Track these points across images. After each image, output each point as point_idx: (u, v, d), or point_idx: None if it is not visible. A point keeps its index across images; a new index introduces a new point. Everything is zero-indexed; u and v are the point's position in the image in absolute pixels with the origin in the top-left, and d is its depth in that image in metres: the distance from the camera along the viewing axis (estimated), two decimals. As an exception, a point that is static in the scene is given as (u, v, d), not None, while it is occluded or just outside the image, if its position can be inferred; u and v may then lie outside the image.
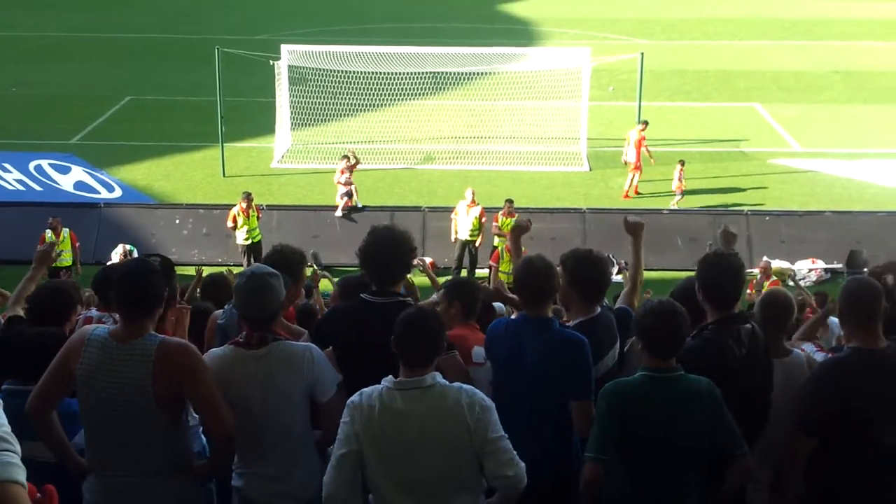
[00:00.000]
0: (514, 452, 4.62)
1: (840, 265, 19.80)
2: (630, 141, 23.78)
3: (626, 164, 23.97)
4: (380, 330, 5.05)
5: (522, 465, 4.63)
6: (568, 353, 5.33)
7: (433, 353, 4.70)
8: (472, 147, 25.75)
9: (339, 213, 21.46)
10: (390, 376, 4.68)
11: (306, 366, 5.07)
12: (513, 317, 5.96)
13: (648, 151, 23.79)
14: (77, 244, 18.78)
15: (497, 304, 12.39)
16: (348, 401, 4.69)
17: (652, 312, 5.05)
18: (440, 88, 29.05)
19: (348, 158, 22.13)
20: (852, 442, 5.10)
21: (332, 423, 4.86)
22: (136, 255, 18.02)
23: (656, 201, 23.02)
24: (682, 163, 23.06)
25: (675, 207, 22.50)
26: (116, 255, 18.17)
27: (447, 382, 4.68)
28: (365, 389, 4.69)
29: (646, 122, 24.10)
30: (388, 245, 5.54)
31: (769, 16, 44.91)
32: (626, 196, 23.62)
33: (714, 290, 5.46)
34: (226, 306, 6.61)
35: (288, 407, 5.09)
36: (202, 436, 5.66)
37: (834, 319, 13.05)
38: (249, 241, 19.48)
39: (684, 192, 22.78)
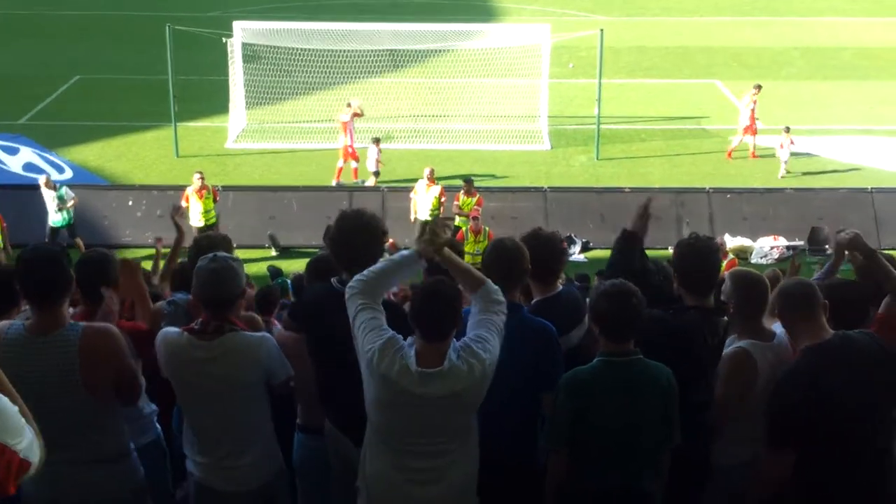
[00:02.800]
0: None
1: (802, 242, 19.75)
2: (742, 105, 24.34)
3: (743, 128, 24.37)
4: (347, 321, 4.96)
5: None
6: (536, 342, 5.19)
7: (454, 323, 4.58)
8: (431, 125, 25.41)
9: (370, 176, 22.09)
10: (412, 358, 4.50)
11: (259, 355, 5.04)
12: None
13: (755, 115, 24.12)
14: (4, 224, 18.12)
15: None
16: (387, 333, 4.59)
17: (605, 295, 4.92)
18: (398, 66, 28.68)
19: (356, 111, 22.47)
20: (833, 439, 4.92)
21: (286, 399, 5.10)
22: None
23: (616, 179, 22.82)
24: (788, 129, 23.33)
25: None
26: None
27: (461, 358, 4.54)
28: (398, 341, 4.56)
29: (759, 86, 24.44)
30: (358, 231, 5.36)
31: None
32: (729, 156, 24.29)
33: (690, 274, 5.36)
34: (173, 296, 6.36)
35: (243, 396, 5.08)
36: (157, 424, 5.78)
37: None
38: (204, 223, 19.01)
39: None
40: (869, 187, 21.14)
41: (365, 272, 4.80)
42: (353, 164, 22.54)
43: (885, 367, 4.95)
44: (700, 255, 5.38)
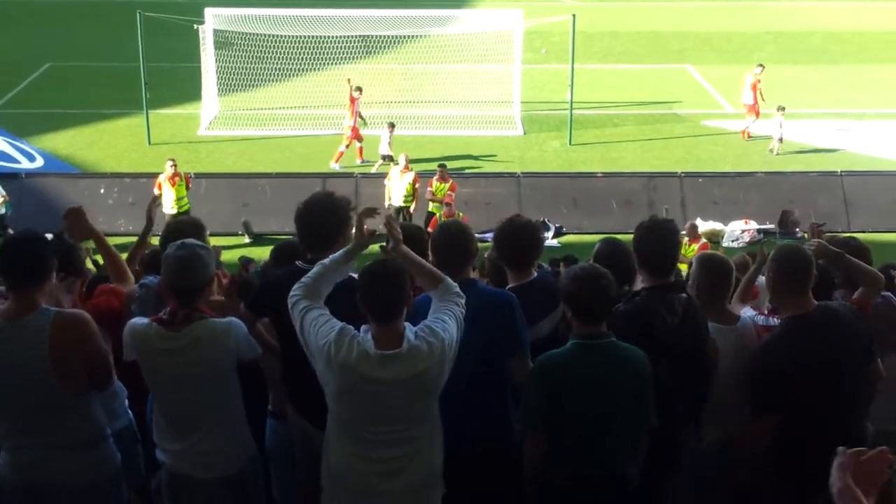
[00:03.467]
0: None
1: (772, 226, 19.91)
2: (746, 84, 24.57)
3: (744, 106, 24.74)
4: None
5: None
6: (496, 310, 5.17)
7: (403, 304, 4.61)
8: (404, 111, 25.38)
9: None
10: (369, 341, 4.52)
11: (232, 340, 5.03)
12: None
13: (762, 94, 24.40)
14: None
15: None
16: (332, 322, 4.62)
17: (577, 278, 4.96)
18: (371, 52, 28.61)
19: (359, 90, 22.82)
20: (811, 407, 5.13)
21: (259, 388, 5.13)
22: None
23: (589, 164, 22.92)
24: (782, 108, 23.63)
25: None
26: None
27: (418, 337, 4.56)
28: (346, 329, 4.56)
29: (762, 66, 24.89)
30: (324, 211, 5.41)
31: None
32: (743, 134, 24.67)
33: (649, 257, 5.38)
34: (145, 279, 6.32)
35: (213, 383, 5.07)
36: (129, 409, 5.76)
37: (762, 279, 13.09)
38: (177, 211, 18.95)
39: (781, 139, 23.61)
40: (838, 170, 21.33)
41: (303, 278, 4.85)
42: (357, 143, 22.89)
43: (862, 336, 5.28)
44: (659, 237, 5.39)
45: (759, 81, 24.47)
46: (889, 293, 6.28)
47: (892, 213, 20.21)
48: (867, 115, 26.20)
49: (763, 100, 24.43)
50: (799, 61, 31.44)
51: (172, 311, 5.00)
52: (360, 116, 23.12)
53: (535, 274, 5.83)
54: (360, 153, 23.04)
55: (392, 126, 22.49)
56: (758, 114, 24.32)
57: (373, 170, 21.97)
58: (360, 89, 23.10)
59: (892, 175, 21.64)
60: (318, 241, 5.38)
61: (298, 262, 5.42)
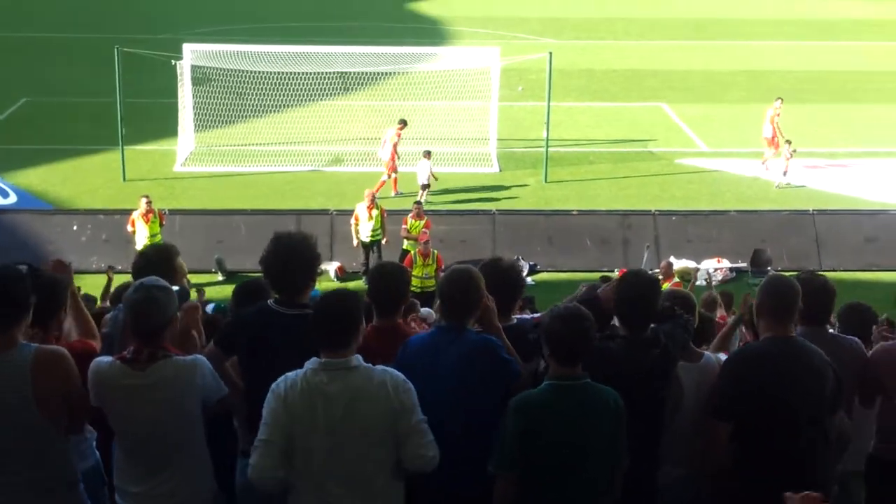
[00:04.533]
0: (432, 434, 4.71)
1: (745, 264, 20.03)
2: (766, 118, 25.30)
3: (763, 140, 25.35)
4: (281, 341, 5.07)
5: (437, 446, 4.73)
6: (481, 355, 5.21)
7: (353, 334, 4.75)
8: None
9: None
10: (314, 358, 4.71)
11: (198, 378, 5.02)
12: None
13: (780, 130, 24.94)
14: None
15: (425, 310, 12.14)
16: (272, 386, 4.70)
17: (559, 318, 4.97)
18: (349, 89, 28.74)
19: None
20: (769, 425, 5.24)
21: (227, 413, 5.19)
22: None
23: (565, 201, 23.02)
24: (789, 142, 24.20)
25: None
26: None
27: (370, 365, 4.76)
28: (288, 374, 4.72)
29: (781, 99, 25.56)
30: (290, 254, 5.40)
31: (675, 16, 45.57)
32: (764, 163, 25.08)
33: (628, 309, 5.44)
34: (113, 312, 6.31)
35: (178, 423, 5.04)
36: (96, 450, 5.69)
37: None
38: (150, 248, 18.88)
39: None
40: (810, 209, 21.53)
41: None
42: (393, 175, 23.46)
43: (830, 379, 5.33)
44: (637, 289, 5.44)
45: (778, 115, 25.07)
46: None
47: (863, 251, 20.41)
48: (838, 153, 26.47)
49: (781, 134, 24.91)
50: (773, 100, 31.71)
51: (136, 349, 4.98)
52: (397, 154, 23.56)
53: (515, 320, 5.83)
54: (395, 185, 23.51)
55: (428, 154, 22.96)
56: (777, 146, 24.75)
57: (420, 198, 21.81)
58: (403, 122, 23.69)
59: (863, 214, 21.85)
60: (285, 285, 5.41)
61: (270, 301, 5.42)
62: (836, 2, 49.01)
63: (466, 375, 5.15)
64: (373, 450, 4.68)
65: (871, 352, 6.33)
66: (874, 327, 7.41)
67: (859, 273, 19.71)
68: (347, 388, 4.64)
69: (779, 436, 5.24)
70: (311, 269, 5.49)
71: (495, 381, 5.22)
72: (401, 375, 4.74)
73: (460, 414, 5.11)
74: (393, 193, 23.26)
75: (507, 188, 24.21)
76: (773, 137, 24.94)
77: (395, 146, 23.33)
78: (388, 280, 5.70)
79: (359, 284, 17.45)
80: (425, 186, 22.68)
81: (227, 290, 17.09)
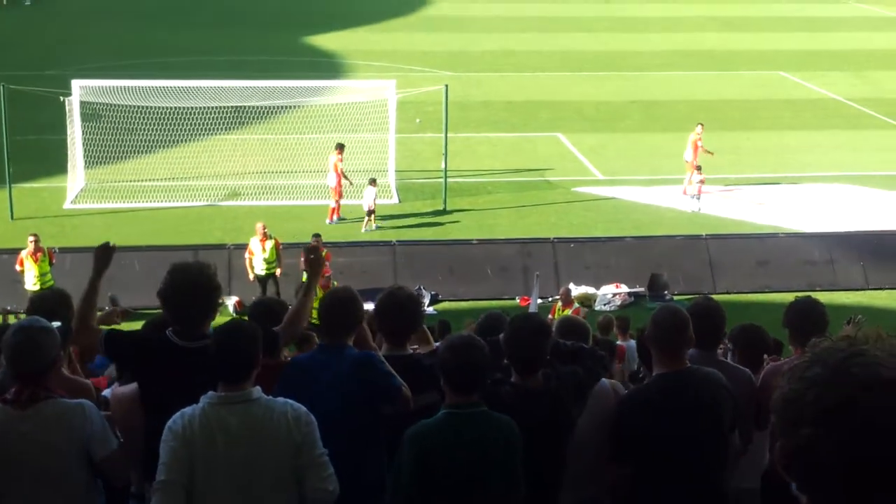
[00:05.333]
0: (332, 468, 4.67)
1: (643, 289, 20.35)
2: (689, 143, 25.91)
3: (686, 163, 25.83)
4: (179, 373, 5.01)
5: (337, 480, 4.69)
6: (363, 368, 5.27)
7: (253, 367, 4.67)
8: (278, 182, 25.23)
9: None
10: (211, 392, 4.61)
11: (77, 422, 4.86)
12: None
13: (704, 150, 25.68)
14: None
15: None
16: (168, 423, 4.59)
17: (451, 347, 5.00)
18: (244, 123, 28.43)
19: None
20: (666, 464, 5.30)
21: (115, 477, 4.95)
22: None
23: (464, 231, 23.11)
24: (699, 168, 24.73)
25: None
26: None
27: (270, 396, 4.68)
28: (185, 410, 4.60)
29: (701, 125, 26.22)
30: (189, 284, 5.29)
31: (569, 48, 46.35)
32: (685, 192, 25.38)
33: (517, 355, 5.42)
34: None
35: (62, 466, 4.87)
36: None
37: (631, 343, 13.33)
38: (40, 287, 18.27)
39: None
40: (704, 234, 22.03)
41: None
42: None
43: (725, 401, 5.41)
44: (525, 335, 5.38)
45: (699, 139, 25.71)
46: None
47: (755, 274, 20.94)
48: (728, 179, 27.16)
49: (710, 153, 25.69)
50: (665, 129, 32.50)
51: (17, 390, 4.84)
52: (345, 176, 23.71)
53: (411, 350, 5.91)
54: (336, 212, 23.64)
55: (374, 181, 23.19)
56: (697, 169, 25.22)
57: (362, 229, 22.65)
58: (341, 146, 23.79)
59: (754, 238, 22.45)
60: (184, 318, 5.32)
61: (169, 331, 5.33)
62: (718, 34, 50.58)
63: (348, 390, 5.19)
64: (275, 484, 4.60)
65: (762, 373, 6.43)
66: (765, 356, 7.48)
67: (752, 295, 20.20)
68: (247, 421, 4.55)
69: (676, 478, 5.30)
70: (211, 300, 5.39)
71: (377, 393, 5.26)
72: (302, 408, 4.66)
73: (343, 431, 5.10)
74: (328, 221, 23.34)
75: (407, 218, 24.22)
76: (692, 161, 25.66)
77: (340, 172, 23.48)
78: (271, 317, 5.86)
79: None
80: (370, 212, 22.98)
81: (123, 328, 16.63)
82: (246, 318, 5.58)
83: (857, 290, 20.74)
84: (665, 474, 5.30)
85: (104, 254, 6.00)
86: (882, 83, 40.13)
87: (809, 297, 6.80)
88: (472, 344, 5.00)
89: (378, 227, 23.19)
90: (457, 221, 24.01)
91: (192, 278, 5.34)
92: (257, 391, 4.66)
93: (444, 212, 24.53)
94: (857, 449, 1.87)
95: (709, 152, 25.65)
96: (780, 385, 2.00)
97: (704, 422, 5.30)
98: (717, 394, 5.37)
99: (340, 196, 23.61)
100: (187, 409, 4.59)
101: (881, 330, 2.03)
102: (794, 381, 1.98)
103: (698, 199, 24.55)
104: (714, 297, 6.71)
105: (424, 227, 23.67)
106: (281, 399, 4.71)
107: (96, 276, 5.90)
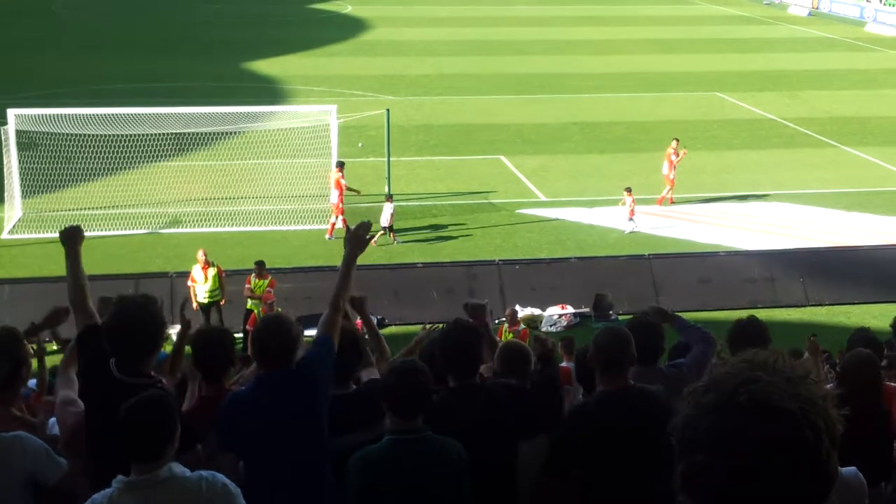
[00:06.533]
0: None
1: (588, 309, 20.47)
2: (666, 157, 26.91)
3: (663, 177, 27.00)
4: (117, 408, 4.73)
5: None
6: (301, 387, 5.20)
7: (168, 442, 4.28)
8: (220, 208, 25.04)
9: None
10: (120, 476, 4.23)
11: (16, 458, 4.75)
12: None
13: (676, 162, 26.70)
14: None
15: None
16: None
17: (394, 372, 5.04)
18: (185, 149, 28.14)
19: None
20: (609, 477, 5.35)
21: (79, 493, 4.68)
22: None
23: (410, 255, 23.09)
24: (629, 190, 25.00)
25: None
26: None
27: (186, 472, 4.26)
28: (94, 496, 4.22)
29: (677, 139, 27.31)
30: (132, 323, 5.11)
31: (505, 71, 46.63)
32: (660, 202, 26.64)
33: (453, 360, 5.57)
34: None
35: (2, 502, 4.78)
36: None
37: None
38: (-23, 320, 17.90)
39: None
40: (647, 254, 22.26)
41: None
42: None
43: (662, 420, 5.30)
44: (459, 338, 5.61)
45: (674, 153, 26.51)
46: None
47: (697, 293, 21.18)
48: (667, 199, 27.49)
49: (674, 164, 26.65)
50: (605, 150, 32.85)
51: None
52: (351, 189, 24.25)
53: (354, 387, 5.90)
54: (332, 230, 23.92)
55: (390, 198, 23.91)
56: (672, 183, 26.29)
57: (373, 243, 22.30)
58: (341, 164, 24.26)
59: (696, 256, 22.75)
60: (126, 354, 5.18)
61: (112, 364, 5.18)
62: (652, 56, 51.32)
63: (291, 412, 5.12)
64: None
65: None
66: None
67: (695, 313, 20.36)
68: None
69: (617, 492, 5.36)
70: (155, 338, 5.24)
71: (318, 407, 5.23)
72: (221, 479, 4.29)
73: (287, 458, 5.05)
74: (328, 237, 23.92)
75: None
76: (668, 174, 26.45)
77: (344, 186, 23.89)
78: (214, 347, 5.85)
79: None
80: (388, 228, 23.42)
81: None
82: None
83: (798, 306, 21.10)
84: (606, 488, 5.34)
85: (72, 233, 6.01)
86: (814, 102, 41.03)
87: (752, 315, 6.94)
88: (413, 369, 5.01)
89: (401, 242, 23.93)
90: (402, 245, 23.97)
91: (136, 314, 5.14)
92: (169, 469, 4.23)
93: (387, 235, 24.47)
94: (748, 476, 1.92)
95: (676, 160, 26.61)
96: (682, 408, 2.05)
97: (642, 440, 5.32)
98: (655, 413, 5.37)
99: (342, 213, 23.61)
100: (97, 496, 4.22)
101: (782, 353, 2.09)
102: (690, 406, 2.03)
103: (632, 220, 24.80)
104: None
105: (369, 251, 23.55)
106: (197, 473, 4.31)
107: (72, 258, 5.88)
